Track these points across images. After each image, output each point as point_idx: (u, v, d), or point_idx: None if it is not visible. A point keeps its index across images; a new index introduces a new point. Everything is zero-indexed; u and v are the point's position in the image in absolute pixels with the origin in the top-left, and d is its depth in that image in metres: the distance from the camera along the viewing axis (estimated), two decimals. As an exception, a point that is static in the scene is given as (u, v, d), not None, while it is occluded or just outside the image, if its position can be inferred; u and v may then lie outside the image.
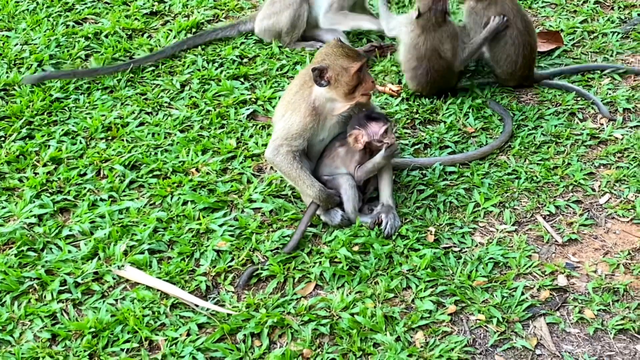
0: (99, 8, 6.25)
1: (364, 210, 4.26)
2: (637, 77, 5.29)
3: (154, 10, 6.20)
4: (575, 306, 3.75)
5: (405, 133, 4.84)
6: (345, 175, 4.20)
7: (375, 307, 3.71)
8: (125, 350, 3.55)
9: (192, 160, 4.64)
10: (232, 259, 4.01)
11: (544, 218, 4.25)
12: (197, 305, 3.76)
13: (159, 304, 3.76)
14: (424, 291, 3.80)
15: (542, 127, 4.86)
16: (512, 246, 4.07)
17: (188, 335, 3.61)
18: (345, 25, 5.57)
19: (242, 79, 5.37)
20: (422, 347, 3.55)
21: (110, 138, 4.86)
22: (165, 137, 4.85)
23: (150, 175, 4.55)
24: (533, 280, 3.89)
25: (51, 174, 4.56)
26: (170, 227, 4.18)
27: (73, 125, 4.94)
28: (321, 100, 4.10)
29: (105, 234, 4.11)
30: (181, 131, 4.90)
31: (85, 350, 3.53)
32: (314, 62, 4.12)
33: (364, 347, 3.53)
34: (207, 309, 3.73)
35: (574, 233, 4.14)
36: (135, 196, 4.41)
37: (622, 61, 5.47)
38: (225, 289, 3.87)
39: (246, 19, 5.84)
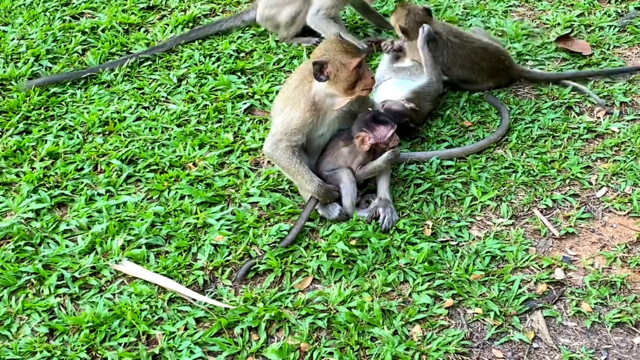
0: (96, 2, 6.24)
1: (362, 205, 4.27)
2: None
3: (151, 4, 6.19)
4: (573, 299, 3.75)
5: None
6: (346, 169, 4.20)
7: (372, 301, 3.71)
8: (122, 344, 3.55)
9: (189, 154, 4.63)
10: (230, 253, 4.01)
11: (541, 212, 4.25)
12: (194, 300, 3.76)
13: (157, 298, 3.76)
14: (422, 285, 3.80)
15: (539, 120, 4.86)
16: (509, 240, 4.07)
17: (185, 329, 3.62)
18: (326, 34, 5.55)
19: (239, 73, 5.37)
20: (419, 340, 3.55)
21: (107, 133, 4.86)
22: (162, 132, 4.85)
23: (148, 169, 4.55)
24: (530, 273, 3.89)
25: (48, 168, 4.56)
26: (168, 221, 4.18)
27: (70, 120, 4.94)
28: (321, 95, 4.10)
29: (102, 229, 4.11)
30: (178, 125, 4.90)
31: (82, 345, 3.53)
32: (313, 57, 4.12)
33: (361, 341, 3.53)
34: (205, 303, 3.73)
35: (571, 226, 4.15)
36: (133, 191, 4.41)
37: (619, 55, 5.47)
38: (223, 283, 3.87)
39: (250, 7, 5.85)
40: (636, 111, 4.93)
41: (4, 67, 5.43)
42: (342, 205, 4.17)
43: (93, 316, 3.62)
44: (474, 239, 4.09)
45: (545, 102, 5.02)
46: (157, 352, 3.51)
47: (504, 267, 3.90)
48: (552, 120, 4.86)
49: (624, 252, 4.00)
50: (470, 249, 4.00)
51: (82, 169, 4.56)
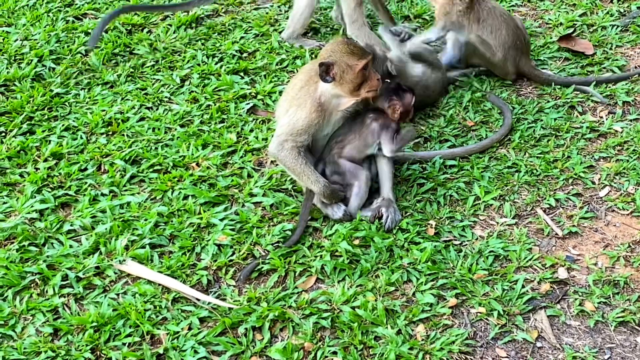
0: (99, 3, 6.25)
1: (365, 204, 4.27)
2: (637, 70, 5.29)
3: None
4: (576, 299, 3.76)
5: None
6: (367, 172, 4.21)
7: (376, 300, 3.72)
8: (127, 344, 3.55)
9: (192, 154, 4.64)
10: (233, 253, 4.01)
11: (544, 211, 4.26)
12: (198, 300, 3.76)
13: (161, 298, 3.77)
14: (425, 284, 3.81)
15: (541, 120, 4.86)
16: (512, 239, 4.08)
17: (189, 329, 3.62)
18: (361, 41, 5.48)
19: (242, 74, 5.38)
20: (423, 340, 3.56)
21: (110, 133, 4.87)
22: (165, 132, 4.85)
23: (151, 170, 4.56)
24: (533, 273, 3.89)
25: (52, 169, 4.56)
26: (171, 221, 4.19)
27: (74, 121, 4.95)
28: (327, 96, 4.11)
29: (106, 229, 4.12)
30: (181, 126, 4.91)
31: (87, 345, 3.54)
32: (319, 58, 4.13)
33: (365, 341, 3.54)
34: (209, 303, 3.74)
35: (574, 226, 4.15)
36: (136, 191, 4.42)
37: (622, 54, 5.47)
38: (227, 283, 3.87)
39: None
40: (639, 110, 4.93)
41: (7, 68, 5.44)
42: (347, 206, 4.17)
43: (97, 316, 3.63)
44: (477, 239, 4.09)
45: (548, 101, 5.03)
46: (161, 351, 3.52)
47: (507, 267, 3.91)
48: (555, 119, 4.86)
49: (627, 252, 4.00)
50: (474, 249, 4.00)
51: (85, 169, 4.57)
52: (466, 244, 4.05)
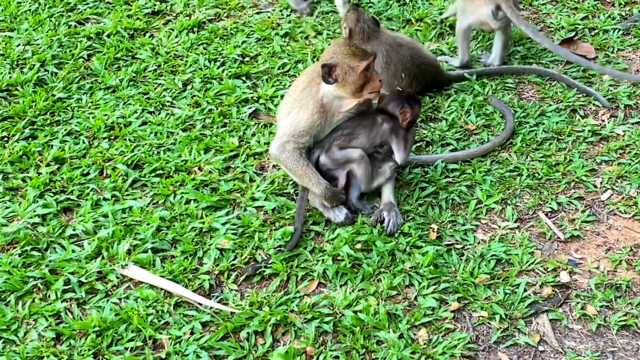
0: (101, 8, 6.26)
1: (367, 209, 4.27)
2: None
3: (156, 9, 6.21)
4: (578, 302, 3.76)
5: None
6: (358, 149, 4.20)
7: (378, 304, 3.72)
8: (129, 349, 3.56)
9: (194, 159, 4.65)
10: (235, 258, 4.02)
11: (546, 215, 4.26)
12: (200, 304, 3.77)
13: (163, 302, 3.77)
14: (427, 288, 3.81)
15: (543, 124, 4.86)
16: (514, 243, 4.08)
17: (192, 333, 3.63)
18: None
19: (244, 78, 5.39)
20: (425, 344, 3.56)
21: (112, 137, 4.87)
22: (167, 136, 4.86)
23: (153, 174, 4.57)
24: (535, 277, 3.89)
25: (54, 173, 4.57)
26: (174, 226, 4.19)
27: (76, 125, 4.96)
28: (329, 98, 4.12)
29: (108, 233, 4.13)
30: (183, 130, 4.91)
31: (89, 349, 3.54)
32: (322, 59, 4.14)
33: (367, 345, 3.54)
34: (211, 308, 3.74)
35: (576, 230, 4.15)
36: (138, 195, 4.42)
37: (623, 58, 5.48)
38: (229, 288, 3.88)
39: None
40: (641, 114, 4.93)
41: (10, 73, 5.45)
42: (348, 209, 4.17)
43: (99, 321, 3.63)
44: (479, 242, 4.09)
45: (550, 105, 5.03)
46: (163, 356, 3.52)
47: (509, 271, 3.91)
48: (557, 123, 4.86)
49: (629, 255, 4.00)
50: (476, 252, 4.00)
51: (88, 173, 4.57)
52: (468, 248, 4.05)
